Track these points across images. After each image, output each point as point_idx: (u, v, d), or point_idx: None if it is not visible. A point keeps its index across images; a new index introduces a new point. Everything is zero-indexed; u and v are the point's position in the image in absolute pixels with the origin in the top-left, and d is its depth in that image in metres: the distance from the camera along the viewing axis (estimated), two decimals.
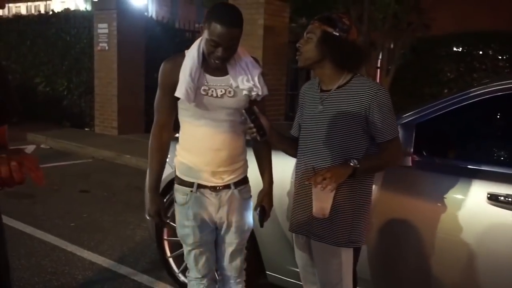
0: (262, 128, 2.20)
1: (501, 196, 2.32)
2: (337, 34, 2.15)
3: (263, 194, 2.48)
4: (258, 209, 2.47)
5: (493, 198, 2.34)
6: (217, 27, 2.04)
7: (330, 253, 2.26)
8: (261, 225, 2.49)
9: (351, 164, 2.13)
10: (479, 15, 12.64)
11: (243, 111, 2.20)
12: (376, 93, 2.13)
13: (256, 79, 2.26)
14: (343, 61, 2.18)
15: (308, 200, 2.24)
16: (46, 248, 4.30)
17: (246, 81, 2.23)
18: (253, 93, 2.26)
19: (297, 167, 2.40)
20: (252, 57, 2.33)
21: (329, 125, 2.21)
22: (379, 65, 11.36)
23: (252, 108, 2.20)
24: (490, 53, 10.43)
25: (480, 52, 10.51)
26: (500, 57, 10.34)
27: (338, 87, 2.22)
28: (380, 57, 11.05)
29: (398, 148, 2.28)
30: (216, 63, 2.15)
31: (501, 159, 2.74)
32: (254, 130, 2.19)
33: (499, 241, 2.34)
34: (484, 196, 2.36)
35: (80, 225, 4.97)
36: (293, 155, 2.45)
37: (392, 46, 11.07)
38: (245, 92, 2.24)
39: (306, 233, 2.34)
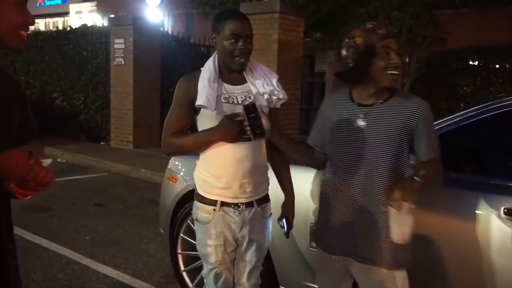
0: (260, 127, 2.12)
1: None
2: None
3: (287, 205, 2.47)
4: (283, 220, 2.45)
5: (510, 213, 2.30)
6: (232, 22, 2.16)
7: (383, 277, 2.11)
8: (287, 236, 2.47)
9: (417, 179, 2.01)
10: (495, 29, 12.57)
11: (242, 107, 2.14)
12: (425, 109, 2.08)
13: (274, 83, 2.30)
14: None
15: (353, 219, 2.14)
16: (61, 262, 4.33)
17: (266, 85, 2.26)
18: (274, 97, 2.27)
19: (331, 184, 2.25)
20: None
21: (373, 142, 2.10)
22: None
23: (250, 106, 2.13)
24: (507, 67, 10.34)
25: (497, 66, 10.44)
26: None
27: (382, 102, 2.13)
28: None
29: (441, 167, 2.19)
30: (240, 61, 2.19)
31: None
32: (248, 128, 2.12)
33: None
34: (501, 211, 2.33)
35: (95, 238, 5.00)
36: (305, 163, 2.40)
37: (407, 60, 11.05)
38: (266, 96, 2.25)
39: (347, 254, 2.20)
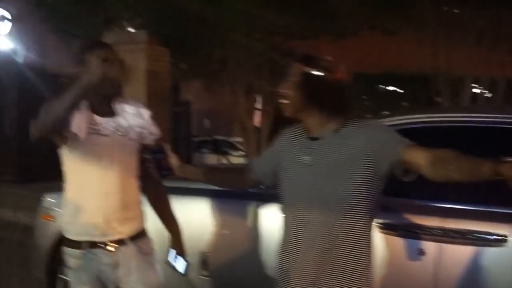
0: (166, 167, 2.10)
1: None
2: (320, 73, 1.81)
3: (173, 240, 2.41)
4: (173, 257, 2.38)
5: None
6: (100, 52, 2.09)
7: None
8: (184, 273, 2.40)
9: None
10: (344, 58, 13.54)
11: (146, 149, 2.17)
12: (368, 122, 1.85)
13: (146, 117, 2.29)
14: (330, 103, 1.83)
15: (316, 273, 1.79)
16: None
17: (137, 118, 2.25)
18: (145, 131, 2.25)
19: (289, 234, 1.88)
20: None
21: (323, 177, 1.79)
22: (259, 106, 11.85)
23: (155, 146, 2.17)
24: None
25: None
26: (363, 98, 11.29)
27: (331, 132, 1.83)
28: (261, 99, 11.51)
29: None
30: (115, 85, 2.14)
31: None
32: (151, 167, 2.10)
33: None
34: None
35: None
36: (231, 184, 2.32)
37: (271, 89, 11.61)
38: (137, 130, 2.22)
39: None
